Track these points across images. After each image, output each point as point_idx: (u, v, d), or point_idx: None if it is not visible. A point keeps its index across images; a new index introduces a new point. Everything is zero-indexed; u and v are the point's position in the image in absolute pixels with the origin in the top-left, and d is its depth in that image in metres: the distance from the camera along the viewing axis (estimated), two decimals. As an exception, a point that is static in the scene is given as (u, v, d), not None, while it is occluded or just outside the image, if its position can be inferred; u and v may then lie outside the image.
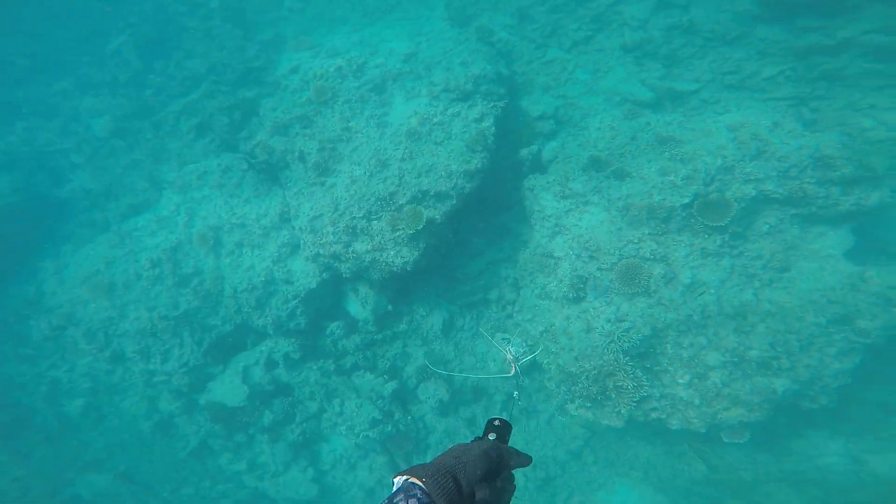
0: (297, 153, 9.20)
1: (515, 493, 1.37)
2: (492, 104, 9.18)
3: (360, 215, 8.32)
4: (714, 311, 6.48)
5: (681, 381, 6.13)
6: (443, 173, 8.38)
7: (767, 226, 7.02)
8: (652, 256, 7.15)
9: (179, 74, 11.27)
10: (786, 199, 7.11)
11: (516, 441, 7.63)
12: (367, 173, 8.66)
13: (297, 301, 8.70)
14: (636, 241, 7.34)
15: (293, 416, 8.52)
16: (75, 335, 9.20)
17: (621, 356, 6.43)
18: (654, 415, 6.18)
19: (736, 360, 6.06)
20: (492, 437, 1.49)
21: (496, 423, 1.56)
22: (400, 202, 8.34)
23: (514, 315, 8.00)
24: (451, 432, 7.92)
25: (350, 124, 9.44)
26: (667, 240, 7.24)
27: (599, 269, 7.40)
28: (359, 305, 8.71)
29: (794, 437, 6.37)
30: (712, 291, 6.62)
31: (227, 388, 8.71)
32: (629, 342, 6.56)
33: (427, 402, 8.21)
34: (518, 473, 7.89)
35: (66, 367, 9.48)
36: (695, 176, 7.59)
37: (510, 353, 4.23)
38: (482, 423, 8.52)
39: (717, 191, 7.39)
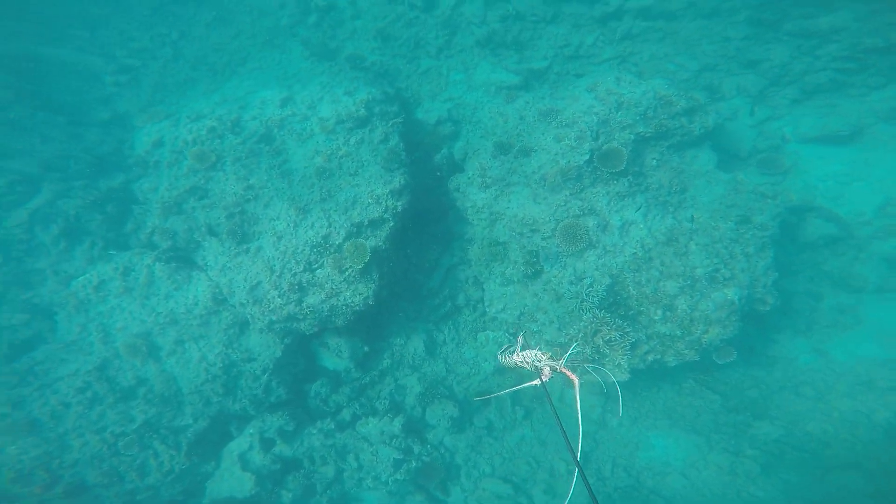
0: (203, 228, 7.22)
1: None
2: (391, 122, 8.20)
3: (301, 269, 6.85)
4: (650, 242, 6.52)
5: (656, 317, 6.06)
6: (369, 200, 7.26)
7: (655, 160, 7.25)
8: (581, 212, 6.98)
9: (2, 180, 8.09)
10: (656, 135, 7.42)
11: (539, 430, 7.00)
12: (291, 225, 7.15)
13: (267, 375, 7.01)
14: (563, 203, 7.10)
15: (313, 487, 6.93)
16: None
17: (597, 311, 6.16)
18: (650, 357, 6.03)
19: (689, 282, 6.15)
20: None
21: None
22: (337, 242, 7.03)
23: (487, 310, 7.33)
24: (474, 445, 7.04)
25: (251, 181, 7.69)
26: (587, 195, 7.12)
27: (543, 238, 7.03)
28: (334, 357, 7.28)
29: (769, 344, 6.60)
30: (641, 226, 6.65)
31: (230, 482, 6.87)
32: (597, 296, 6.31)
33: (440, 425, 7.22)
34: (557, 460, 7.37)
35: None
36: (583, 135, 7.56)
37: (531, 356, 2.90)
38: (501, 428, 7.81)
39: (606, 142, 7.45)
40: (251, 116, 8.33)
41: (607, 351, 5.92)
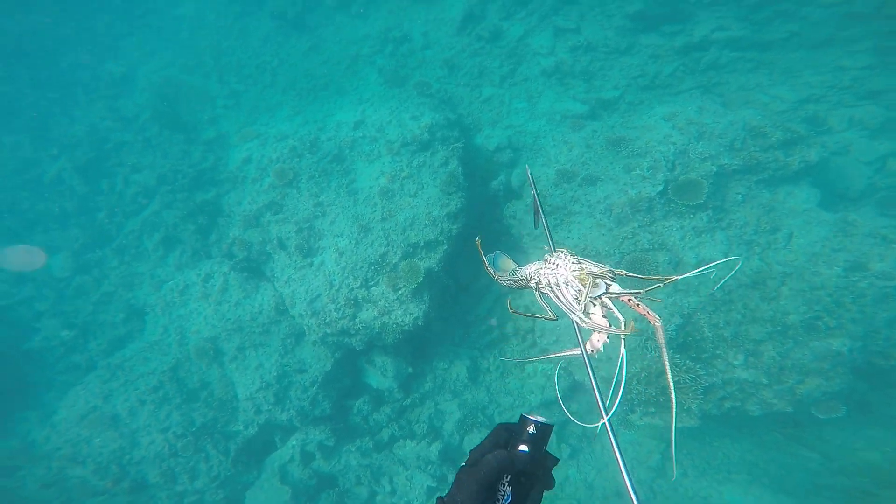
0: (275, 241, 7.74)
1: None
2: (451, 147, 8.30)
3: (358, 285, 7.00)
4: (732, 284, 5.74)
5: (736, 362, 5.25)
6: (426, 222, 7.31)
7: (740, 195, 6.49)
8: (651, 246, 6.38)
9: (129, 191, 9.44)
10: (744, 168, 6.67)
11: (586, 472, 6.35)
12: (353, 242, 7.39)
13: (316, 387, 7.14)
14: (630, 235, 6.56)
15: None
16: (83, 474, 7.26)
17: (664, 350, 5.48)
18: (727, 404, 5.20)
19: (779, 328, 5.28)
20: (524, 448, 1.00)
21: (531, 429, 1.03)
22: (393, 261, 7.12)
23: (538, 341, 6.91)
24: None
25: (320, 199, 8.15)
26: (658, 228, 6.52)
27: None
28: (379, 376, 7.25)
29: (893, 404, 5.46)
30: (721, 266, 5.91)
31: (268, 493, 6.94)
32: (664, 335, 5.62)
33: None
34: None
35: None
36: (657, 165, 7.02)
37: (562, 277, 1.58)
38: None
39: (683, 173, 6.85)
40: (327, 137, 8.93)
41: (674, 393, 5.21)
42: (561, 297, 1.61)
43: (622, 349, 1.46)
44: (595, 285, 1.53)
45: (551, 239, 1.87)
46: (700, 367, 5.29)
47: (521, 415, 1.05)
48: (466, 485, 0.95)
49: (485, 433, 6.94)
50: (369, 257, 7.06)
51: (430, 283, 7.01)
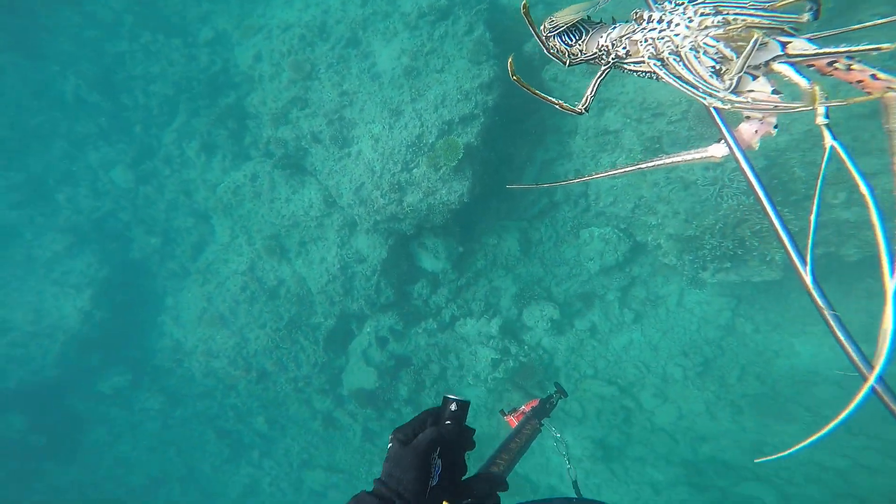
0: (308, 136, 7.10)
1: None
2: (474, 10, 6.83)
3: (399, 169, 6.43)
4: (840, 115, 4.63)
5: (835, 201, 4.43)
6: (459, 96, 6.36)
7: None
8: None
9: (152, 102, 8.82)
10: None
11: (651, 335, 6.10)
12: (386, 127, 6.62)
13: (377, 275, 7.10)
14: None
15: (423, 382, 7.24)
16: (222, 365, 8.11)
17: (742, 198, 4.72)
18: (818, 250, 4.54)
19: (896, 149, 4.30)
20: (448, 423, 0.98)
21: (452, 407, 0.98)
22: (430, 141, 6.40)
23: (592, 205, 6.26)
24: (574, 348, 6.46)
25: (344, 87, 7.20)
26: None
27: (670, 122, 5.50)
28: (432, 258, 7.04)
29: None
30: (818, 90, 4.74)
31: (359, 375, 7.41)
32: (744, 179, 4.81)
33: (538, 327, 6.74)
34: (674, 365, 6.47)
35: (233, 394, 8.48)
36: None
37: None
38: (605, 331, 7.09)
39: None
40: (336, 20, 7.60)
41: (756, 244, 4.60)
42: (689, 72, 0.87)
43: (828, 139, 0.77)
44: (761, 45, 0.82)
45: None
46: (788, 211, 4.53)
47: (444, 395, 1.00)
48: (406, 461, 0.87)
49: (543, 305, 6.83)
50: (405, 140, 6.34)
51: (470, 158, 6.31)
